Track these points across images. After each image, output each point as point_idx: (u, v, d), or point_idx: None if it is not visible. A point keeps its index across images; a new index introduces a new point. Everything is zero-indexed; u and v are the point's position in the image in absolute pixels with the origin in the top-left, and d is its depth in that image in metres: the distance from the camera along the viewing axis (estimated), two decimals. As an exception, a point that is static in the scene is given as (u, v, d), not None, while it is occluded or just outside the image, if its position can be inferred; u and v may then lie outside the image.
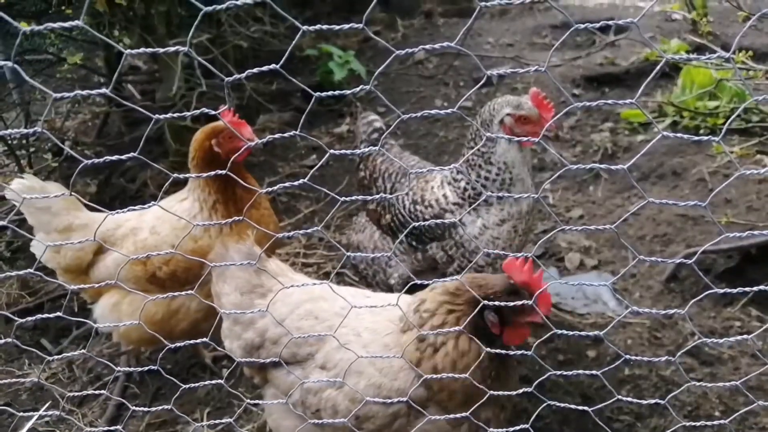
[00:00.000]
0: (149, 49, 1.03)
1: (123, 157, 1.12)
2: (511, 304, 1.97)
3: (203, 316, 3.21)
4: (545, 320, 1.89)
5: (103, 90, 0.99)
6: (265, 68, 1.04)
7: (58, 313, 1.46)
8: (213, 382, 2.01)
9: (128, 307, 3.19)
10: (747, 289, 1.37)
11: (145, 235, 3.18)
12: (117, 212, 1.30)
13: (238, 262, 2.46)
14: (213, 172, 1.46)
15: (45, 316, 1.52)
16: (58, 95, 0.99)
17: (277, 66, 1.01)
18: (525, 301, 1.90)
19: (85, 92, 0.99)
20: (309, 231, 1.25)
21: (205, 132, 3.19)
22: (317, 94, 1.08)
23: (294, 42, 1.09)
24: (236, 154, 3.13)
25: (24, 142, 5.65)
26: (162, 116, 1.09)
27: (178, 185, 5.42)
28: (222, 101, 5.55)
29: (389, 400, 2.09)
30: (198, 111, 1.14)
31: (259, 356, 2.40)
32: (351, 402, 2.14)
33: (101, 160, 1.11)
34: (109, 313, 3.26)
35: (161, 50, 1.03)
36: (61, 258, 3.25)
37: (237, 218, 1.54)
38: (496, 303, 2.00)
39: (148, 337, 3.06)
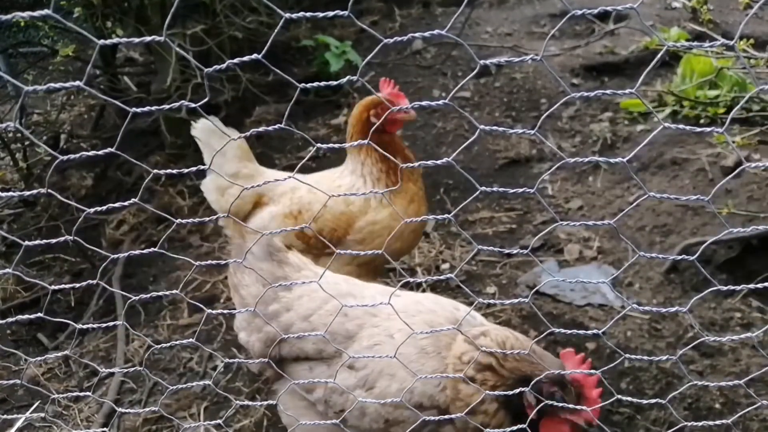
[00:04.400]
0: (124, 39, 0.99)
1: (101, 152, 1.09)
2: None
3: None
4: (586, 428, 1.79)
5: (77, 83, 0.95)
6: (247, 58, 1.00)
7: (40, 314, 1.42)
8: (204, 383, 1.97)
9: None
10: (750, 286, 1.33)
11: (302, 193, 3.26)
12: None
13: (258, 253, 2.44)
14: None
15: (26, 317, 1.49)
16: (30, 88, 0.95)
17: (260, 56, 0.97)
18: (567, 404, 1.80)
19: (58, 85, 0.96)
20: (297, 228, 1.21)
21: (363, 104, 3.21)
22: (302, 85, 1.04)
23: (276, 30, 1.05)
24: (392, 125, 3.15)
25: (19, 135, 5.61)
26: (137, 109, 1.05)
27: (173, 179, 5.39)
28: (218, 93, 5.51)
29: (419, 403, 2.03)
30: (178, 104, 1.10)
31: (281, 350, 2.35)
32: (381, 405, 2.07)
33: (78, 155, 1.08)
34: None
35: (137, 40, 0.99)
36: (224, 202, 3.34)
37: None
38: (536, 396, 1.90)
39: None
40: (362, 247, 3.11)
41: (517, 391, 1.83)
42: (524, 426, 1.73)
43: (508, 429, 1.81)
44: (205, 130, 3.29)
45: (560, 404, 1.84)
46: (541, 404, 1.86)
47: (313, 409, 2.29)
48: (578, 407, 1.80)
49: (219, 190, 3.35)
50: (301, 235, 3.20)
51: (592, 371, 1.86)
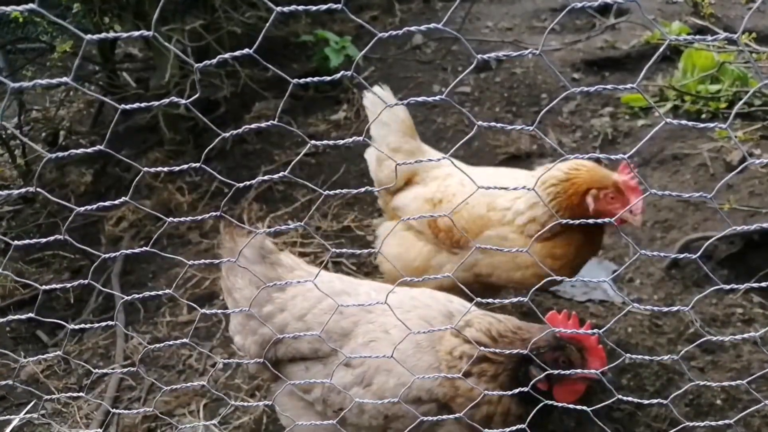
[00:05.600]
0: (112, 34, 0.97)
1: (90, 150, 1.07)
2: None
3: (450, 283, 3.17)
4: (600, 377, 1.77)
5: (65, 79, 0.93)
6: (239, 53, 0.98)
7: (31, 314, 1.41)
8: (200, 383, 1.96)
9: (394, 240, 3.22)
10: (753, 284, 1.32)
11: (452, 182, 3.12)
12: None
13: (249, 256, 2.42)
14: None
15: (17, 317, 1.47)
16: (17, 84, 0.94)
17: (251, 51, 0.95)
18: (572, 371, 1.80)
19: (44, 81, 0.94)
20: (292, 226, 1.20)
21: (591, 176, 2.71)
22: (296, 80, 1.02)
23: (267, 25, 1.03)
24: (609, 218, 2.77)
25: (18, 131, 5.61)
26: (126, 106, 1.03)
27: (172, 175, 5.36)
28: (217, 89, 5.48)
29: (417, 397, 2.03)
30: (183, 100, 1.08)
31: (277, 352, 2.34)
32: (379, 401, 2.07)
33: (68, 153, 1.06)
34: (383, 237, 3.35)
35: (125, 34, 0.97)
36: (379, 171, 3.38)
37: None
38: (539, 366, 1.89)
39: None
40: (482, 257, 2.92)
41: (516, 391, 1.82)
42: (524, 426, 1.71)
43: (512, 429, 1.79)
44: (374, 100, 3.27)
45: (569, 371, 1.84)
46: (546, 373, 1.85)
47: (312, 409, 2.28)
48: (585, 371, 1.80)
49: (377, 161, 3.35)
50: (433, 224, 3.08)
51: (588, 331, 1.86)
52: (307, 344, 2.25)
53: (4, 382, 2.99)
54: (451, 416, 1.87)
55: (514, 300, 1.54)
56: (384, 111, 3.17)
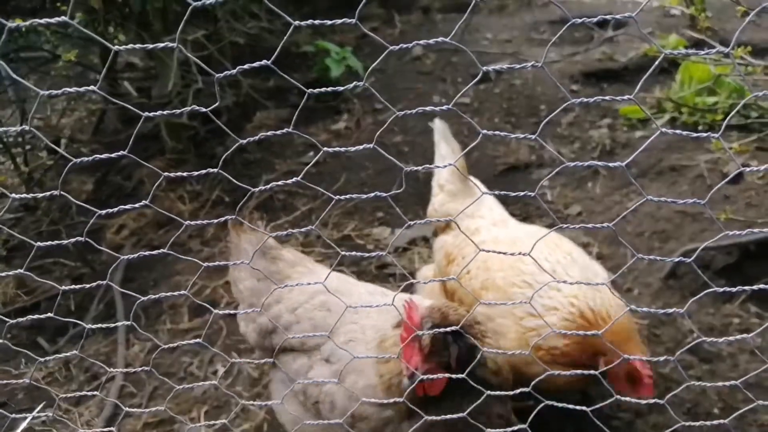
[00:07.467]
0: (128, 46, 1.01)
1: (113, 155, 1.10)
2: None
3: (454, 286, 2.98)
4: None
5: (92, 87, 0.97)
6: (256, 64, 1.02)
7: (50, 314, 1.44)
8: (208, 383, 1.99)
9: (425, 288, 3.16)
10: (747, 288, 1.35)
11: (472, 243, 2.82)
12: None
13: (251, 251, 2.57)
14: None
15: (36, 317, 1.50)
16: (46, 92, 0.97)
17: (269, 62, 0.98)
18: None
19: (73, 90, 0.97)
20: (304, 230, 1.24)
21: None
22: (310, 90, 1.06)
23: (285, 38, 1.07)
24: None
25: (20, 139, 5.63)
26: (148, 113, 1.07)
27: (174, 183, 5.40)
28: (219, 98, 5.52)
29: (383, 402, 2.06)
30: (191, 108, 1.11)
31: (272, 341, 2.49)
32: (348, 400, 2.12)
33: (89, 159, 1.09)
34: (421, 277, 3.36)
35: (145, 46, 1.01)
36: (430, 203, 3.33)
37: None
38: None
39: None
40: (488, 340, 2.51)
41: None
42: (525, 426, 1.74)
43: (513, 429, 1.82)
44: (440, 129, 3.30)
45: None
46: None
47: (297, 398, 2.37)
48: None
49: (433, 194, 3.31)
50: (443, 284, 2.89)
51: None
52: (296, 337, 2.36)
53: (16, 381, 3.01)
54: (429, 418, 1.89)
55: (517, 303, 1.57)
56: (443, 141, 3.24)
